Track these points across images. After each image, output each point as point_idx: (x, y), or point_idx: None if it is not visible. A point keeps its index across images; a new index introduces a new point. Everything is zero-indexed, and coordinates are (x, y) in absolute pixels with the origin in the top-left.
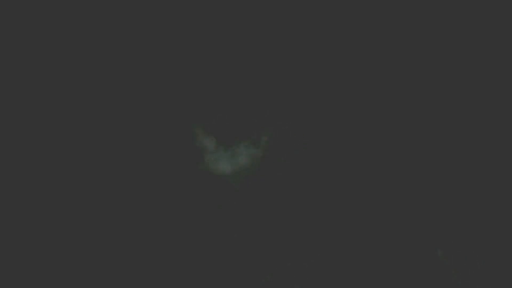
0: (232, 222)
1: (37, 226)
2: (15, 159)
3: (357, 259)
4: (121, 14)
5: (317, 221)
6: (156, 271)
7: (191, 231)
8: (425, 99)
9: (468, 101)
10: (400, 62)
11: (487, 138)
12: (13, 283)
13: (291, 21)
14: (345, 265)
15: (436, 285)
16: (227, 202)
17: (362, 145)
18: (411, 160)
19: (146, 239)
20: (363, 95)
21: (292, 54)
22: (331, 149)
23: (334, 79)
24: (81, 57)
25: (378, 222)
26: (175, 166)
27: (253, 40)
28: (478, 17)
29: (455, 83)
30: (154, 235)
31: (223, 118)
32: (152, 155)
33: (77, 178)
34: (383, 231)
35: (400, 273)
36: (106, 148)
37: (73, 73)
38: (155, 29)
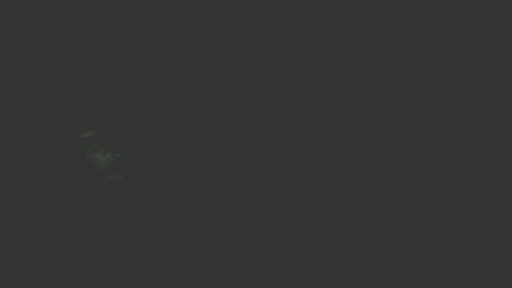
0: (232, 222)
1: None
2: None
3: (357, 259)
4: (116, 13)
5: (317, 221)
6: (155, 271)
7: (190, 230)
8: (426, 99)
9: (468, 101)
10: (400, 62)
11: (487, 138)
12: None
13: (291, 21)
14: (345, 265)
15: (436, 285)
16: (227, 202)
17: (362, 145)
18: (411, 160)
19: (145, 239)
20: (363, 95)
21: (292, 54)
22: (331, 149)
23: (334, 79)
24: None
25: (378, 221)
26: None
27: (253, 40)
28: (478, 17)
29: (456, 83)
30: (154, 235)
31: (222, 118)
32: (149, 155)
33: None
34: (383, 231)
35: (400, 273)
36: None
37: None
38: (155, 29)
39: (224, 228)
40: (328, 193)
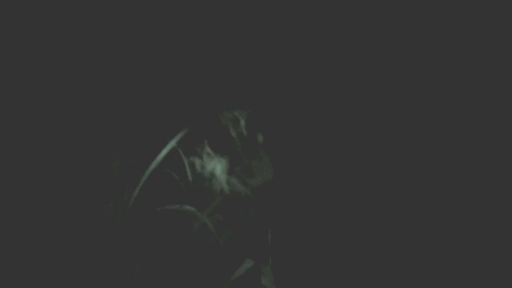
0: (231, 222)
1: None
2: None
3: (357, 258)
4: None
5: (317, 221)
6: (154, 271)
7: (189, 230)
8: (426, 99)
9: (469, 101)
10: (401, 62)
11: (487, 138)
12: None
13: (290, 20)
14: (345, 265)
15: (436, 285)
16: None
17: (362, 145)
18: (411, 160)
19: (140, 238)
20: (364, 95)
21: (292, 54)
22: (331, 149)
23: (334, 79)
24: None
25: (378, 221)
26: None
27: (253, 40)
28: (478, 17)
29: (456, 83)
30: (152, 233)
31: (222, 117)
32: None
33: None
34: (383, 231)
35: (400, 273)
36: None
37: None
38: (153, 29)
39: (223, 228)
40: (328, 193)
